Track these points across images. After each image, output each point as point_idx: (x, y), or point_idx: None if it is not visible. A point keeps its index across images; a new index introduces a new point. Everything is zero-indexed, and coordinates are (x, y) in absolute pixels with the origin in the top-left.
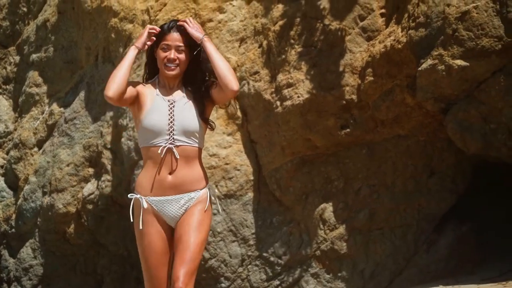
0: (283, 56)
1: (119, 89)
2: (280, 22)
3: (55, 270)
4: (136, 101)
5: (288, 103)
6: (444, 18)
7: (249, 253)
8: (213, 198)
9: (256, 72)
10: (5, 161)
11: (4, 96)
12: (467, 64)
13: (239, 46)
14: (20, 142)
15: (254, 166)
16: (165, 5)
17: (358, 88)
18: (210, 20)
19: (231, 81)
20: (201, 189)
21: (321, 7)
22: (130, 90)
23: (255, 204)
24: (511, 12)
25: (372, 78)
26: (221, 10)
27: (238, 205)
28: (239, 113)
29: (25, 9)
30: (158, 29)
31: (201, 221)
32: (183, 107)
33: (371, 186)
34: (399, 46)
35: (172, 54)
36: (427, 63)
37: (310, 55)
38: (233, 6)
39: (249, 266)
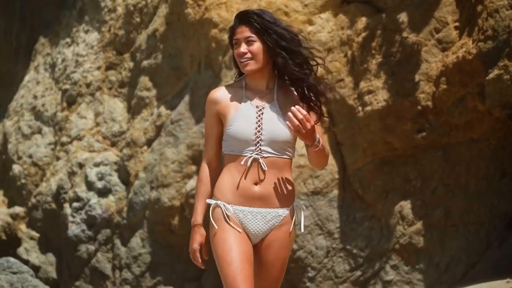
0: (365, 65)
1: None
2: (363, 34)
3: (161, 258)
4: (221, 121)
5: (369, 108)
6: (509, 32)
7: (334, 245)
8: (299, 215)
9: (341, 80)
10: (118, 158)
11: (119, 98)
12: None
13: (327, 56)
14: (132, 141)
15: (340, 165)
16: None
17: (433, 95)
18: (300, 32)
19: (321, 168)
20: (289, 207)
21: (400, 20)
22: (215, 130)
23: (340, 200)
24: None
25: (445, 86)
26: (310, 22)
27: (324, 201)
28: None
29: (138, 19)
30: (200, 262)
31: (286, 246)
32: (274, 114)
33: (446, 185)
34: (470, 57)
35: (242, 47)
36: (494, 73)
37: (389, 64)
38: (322, 18)
39: (334, 258)
